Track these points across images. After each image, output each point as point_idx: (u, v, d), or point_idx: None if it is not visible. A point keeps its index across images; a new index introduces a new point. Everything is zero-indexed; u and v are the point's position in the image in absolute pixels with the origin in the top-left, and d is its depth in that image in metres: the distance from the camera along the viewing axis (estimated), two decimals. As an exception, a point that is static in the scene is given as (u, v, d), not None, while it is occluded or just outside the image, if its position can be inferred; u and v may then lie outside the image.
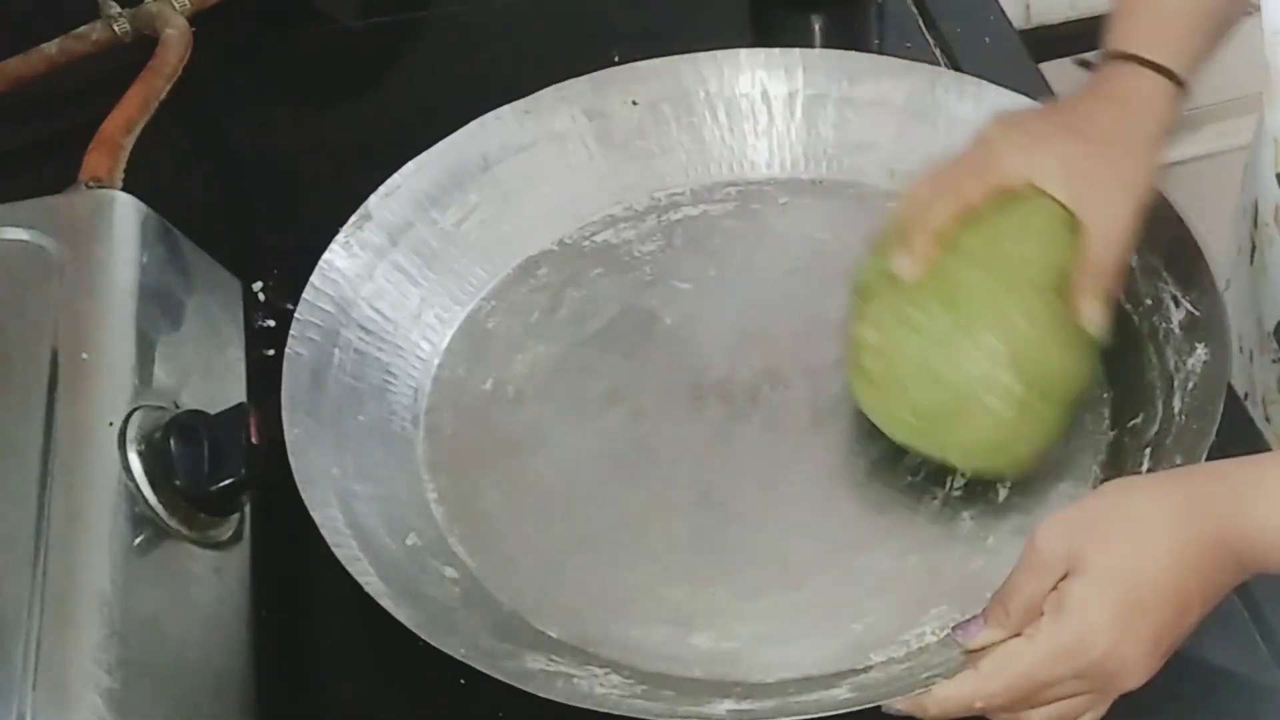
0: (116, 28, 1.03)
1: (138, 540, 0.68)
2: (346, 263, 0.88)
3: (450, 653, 0.70)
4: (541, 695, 0.69)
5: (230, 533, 0.75)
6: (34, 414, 0.70)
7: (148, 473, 0.70)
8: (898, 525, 0.80)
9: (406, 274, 0.90)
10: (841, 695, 0.72)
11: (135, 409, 0.72)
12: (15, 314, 0.74)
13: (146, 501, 0.70)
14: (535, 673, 0.73)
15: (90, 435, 0.70)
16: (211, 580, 0.73)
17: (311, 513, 0.75)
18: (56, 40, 1.04)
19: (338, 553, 0.74)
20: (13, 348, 0.73)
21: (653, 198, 0.97)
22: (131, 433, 0.70)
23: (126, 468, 0.69)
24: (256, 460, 0.73)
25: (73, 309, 0.74)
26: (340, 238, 0.88)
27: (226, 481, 0.72)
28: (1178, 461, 0.77)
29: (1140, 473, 0.79)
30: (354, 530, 0.77)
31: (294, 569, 0.79)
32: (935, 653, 0.73)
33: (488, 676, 0.69)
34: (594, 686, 0.73)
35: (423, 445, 0.86)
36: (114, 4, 1.04)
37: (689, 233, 0.96)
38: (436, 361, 0.89)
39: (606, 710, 0.70)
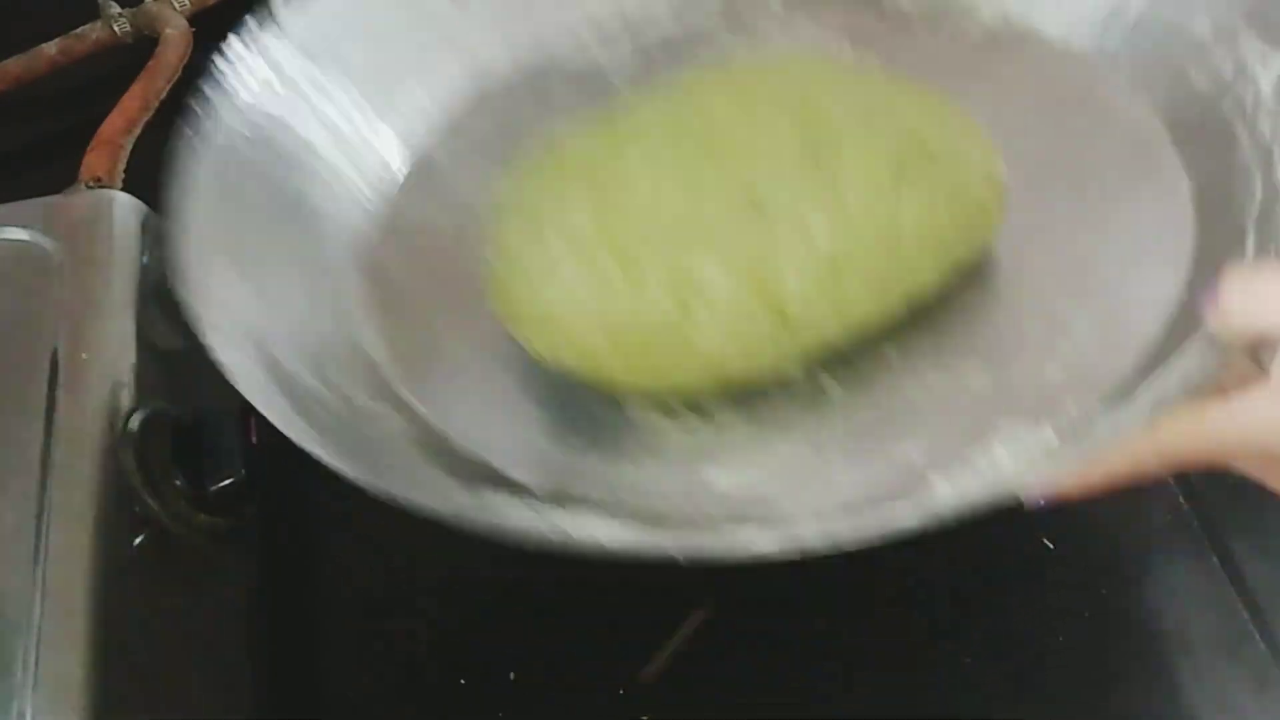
0: (116, 28, 1.03)
1: (138, 541, 0.68)
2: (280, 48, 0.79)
3: (408, 503, 0.59)
4: (530, 547, 0.59)
5: (231, 533, 0.74)
6: (34, 414, 0.69)
7: (147, 473, 0.70)
8: (951, 330, 0.70)
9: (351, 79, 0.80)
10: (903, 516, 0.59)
11: (135, 409, 0.71)
12: (15, 314, 0.74)
13: (147, 501, 0.69)
14: (517, 523, 0.60)
15: (90, 435, 0.69)
16: (212, 582, 0.73)
17: (217, 357, 0.65)
18: (56, 40, 1.04)
19: (254, 399, 0.64)
20: (13, 348, 0.73)
21: (625, 17, 0.86)
22: (131, 433, 0.70)
23: (126, 468, 0.69)
24: (256, 460, 0.73)
25: (73, 309, 0.74)
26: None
27: (226, 482, 0.72)
28: None
29: (1245, 254, 0.67)
30: (277, 380, 0.67)
31: (295, 570, 0.79)
32: (1013, 478, 0.61)
33: (489, 677, 0.69)
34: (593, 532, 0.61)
35: (366, 288, 0.75)
36: (114, 4, 1.04)
37: (673, 56, 0.83)
38: (384, 192, 0.79)
39: (616, 556, 0.58)
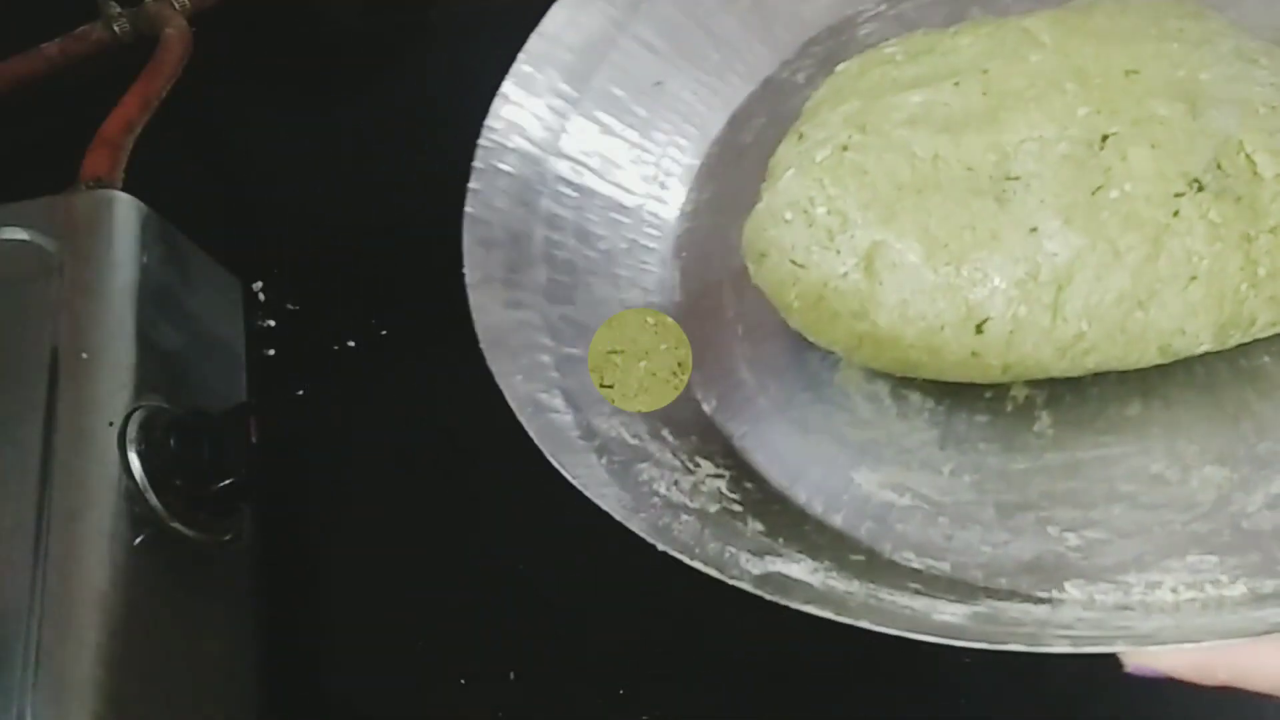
0: (117, 28, 1.03)
1: (138, 540, 0.68)
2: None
3: (492, 365, 0.62)
4: (545, 450, 0.59)
5: (232, 533, 0.74)
6: (34, 414, 0.69)
7: (148, 472, 0.70)
8: (1214, 425, 0.58)
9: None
10: (955, 618, 0.53)
11: (135, 409, 0.71)
12: (15, 314, 0.74)
13: (147, 501, 0.69)
14: (593, 432, 0.62)
15: (90, 435, 0.69)
16: (213, 580, 0.73)
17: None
18: (56, 40, 1.03)
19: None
20: (13, 348, 0.73)
21: None
22: (131, 432, 0.70)
23: (126, 468, 0.69)
24: (257, 460, 0.73)
25: (73, 309, 0.74)
26: None
27: (227, 482, 0.72)
28: None
29: None
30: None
31: (295, 570, 0.78)
32: (1168, 616, 0.53)
33: (489, 677, 0.68)
34: (657, 481, 0.61)
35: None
36: (114, 4, 1.04)
37: None
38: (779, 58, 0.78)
39: (609, 510, 0.57)
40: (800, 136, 0.64)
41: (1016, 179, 0.57)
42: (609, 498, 0.57)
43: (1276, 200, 0.56)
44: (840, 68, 0.67)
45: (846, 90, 0.64)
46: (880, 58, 0.65)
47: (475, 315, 0.66)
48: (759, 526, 0.59)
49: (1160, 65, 0.58)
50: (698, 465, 0.62)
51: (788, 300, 0.62)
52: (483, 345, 0.64)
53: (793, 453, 0.63)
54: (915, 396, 0.63)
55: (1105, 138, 0.57)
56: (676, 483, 0.61)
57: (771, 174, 0.64)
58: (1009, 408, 0.61)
